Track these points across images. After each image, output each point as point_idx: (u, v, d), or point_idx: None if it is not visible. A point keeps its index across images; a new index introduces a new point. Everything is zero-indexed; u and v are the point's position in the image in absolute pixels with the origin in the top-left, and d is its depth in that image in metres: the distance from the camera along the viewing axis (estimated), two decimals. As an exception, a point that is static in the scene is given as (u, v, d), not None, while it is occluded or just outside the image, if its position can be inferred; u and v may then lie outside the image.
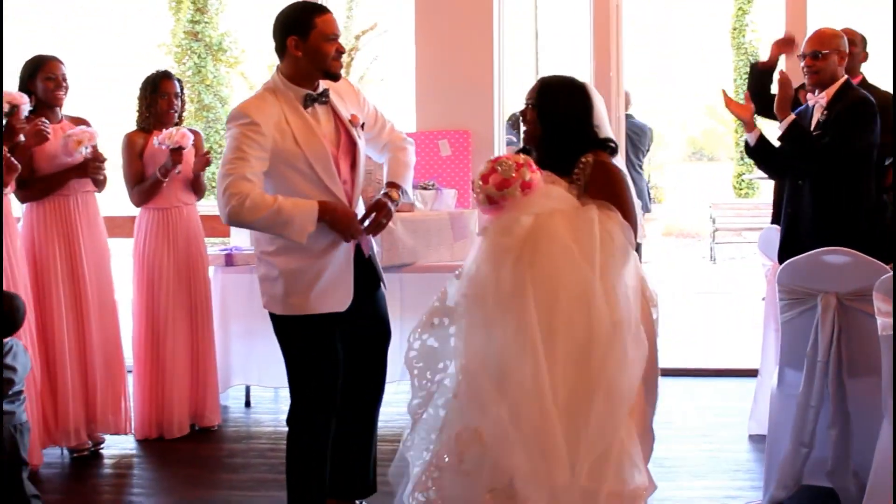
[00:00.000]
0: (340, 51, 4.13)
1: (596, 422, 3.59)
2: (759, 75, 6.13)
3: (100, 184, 5.82)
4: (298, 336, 4.23)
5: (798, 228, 5.13)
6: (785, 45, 6.23)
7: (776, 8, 7.43)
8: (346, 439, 4.47)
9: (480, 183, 3.81)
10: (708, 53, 23.42)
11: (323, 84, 4.18)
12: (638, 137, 9.02)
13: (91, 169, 5.64)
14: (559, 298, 3.66)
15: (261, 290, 4.28)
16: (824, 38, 5.20)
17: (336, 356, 4.26)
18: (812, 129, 5.12)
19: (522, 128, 4.24)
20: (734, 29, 20.19)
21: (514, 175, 3.74)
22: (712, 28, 22.02)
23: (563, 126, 3.97)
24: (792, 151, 5.08)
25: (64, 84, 5.71)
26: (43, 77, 5.65)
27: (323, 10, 4.16)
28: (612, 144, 4.03)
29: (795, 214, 5.16)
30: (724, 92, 5.41)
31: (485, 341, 3.73)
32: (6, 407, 4.60)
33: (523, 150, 4.13)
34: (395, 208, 4.30)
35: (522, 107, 4.09)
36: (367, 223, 4.19)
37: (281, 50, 4.13)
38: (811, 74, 5.20)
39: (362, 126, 4.30)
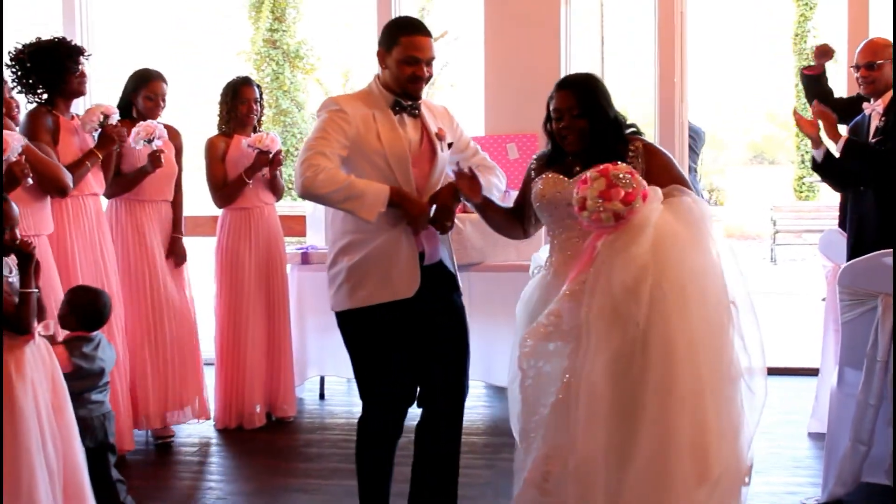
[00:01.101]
0: (418, 74, 4.01)
1: (733, 407, 3.56)
2: (814, 82, 6.09)
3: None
4: (366, 333, 4.12)
5: (864, 232, 5.08)
6: (821, 55, 6.19)
7: (838, 14, 7.35)
8: (427, 455, 4.32)
9: (601, 200, 3.44)
10: (770, 60, 23.16)
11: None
12: (693, 141, 8.93)
13: (155, 162, 5.61)
14: (706, 301, 3.52)
15: (329, 290, 4.20)
16: (878, 49, 5.19)
17: (405, 359, 4.17)
18: (871, 136, 5.09)
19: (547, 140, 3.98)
20: (796, 35, 19.94)
21: (635, 186, 3.45)
22: (774, 34, 21.77)
23: (610, 120, 3.77)
24: (855, 167, 5.03)
25: (162, 103, 5.83)
26: (144, 94, 5.78)
27: (415, 30, 4.04)
28: (636, 128, 3.88)
29: (861, 219, 5.12)
30: (794, 111, 5.37)
31: (611, 360, 3.45)
32: (97, 397, 4.70)
33: (554, 159, 3.93)
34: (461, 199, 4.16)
35: (557, 118, 3.82)
36: (432, 210, 4.05)
37: (377, 57, 4.15)
38: (867, 84, 5.20)
39: (450, 145, 4.22)
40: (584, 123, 3.76)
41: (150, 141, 5.56)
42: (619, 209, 3.43)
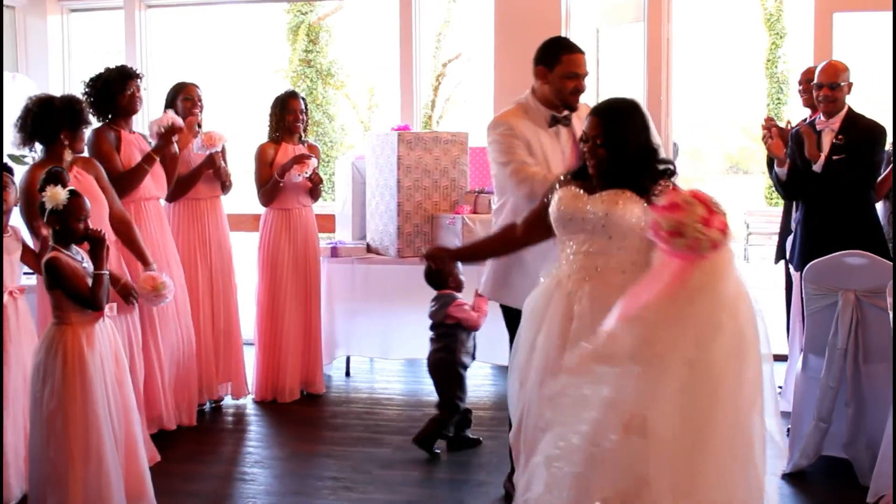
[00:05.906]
0: (578, 88, 4.09)
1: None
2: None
3: (225, 188, 5.92)
4: None
5: (819, 236, 5.03)
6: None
7: (805, 43, 7.32)
8: None
9: (702, 227, 2.98)
10: (745, 82, 23.13)
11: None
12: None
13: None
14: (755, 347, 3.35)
15: None
16: (839, 71, 5.11)
17: None
18: (827, 152, 5.03)
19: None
20: (768, 60, 19.97)
21: (727, 214, 3.03)
22: (749, 60, 21.76)
23: (630, 155, 3.36)
24: (829, 181, 5.00)
25: (199, 104, 5.83)
26: (182, 98, 5.79)
27: (573, 49, 4.11)
28: (673, 168, 3.45)
29: (817, 225, 5.08)
30: (765, 134, 5.30)
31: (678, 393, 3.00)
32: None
33: (581, 174, 3.49)
34: None
35: (584, 140, 3.44)
36: None
37: (534, 74, 4.18)
38: (828, 103, 5.09)
39: None
40: (603, 153, 3.37)
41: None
42: (717, 238, 2.99)
